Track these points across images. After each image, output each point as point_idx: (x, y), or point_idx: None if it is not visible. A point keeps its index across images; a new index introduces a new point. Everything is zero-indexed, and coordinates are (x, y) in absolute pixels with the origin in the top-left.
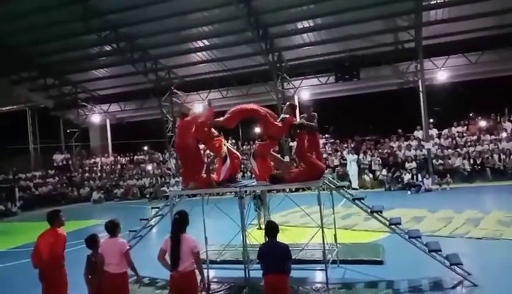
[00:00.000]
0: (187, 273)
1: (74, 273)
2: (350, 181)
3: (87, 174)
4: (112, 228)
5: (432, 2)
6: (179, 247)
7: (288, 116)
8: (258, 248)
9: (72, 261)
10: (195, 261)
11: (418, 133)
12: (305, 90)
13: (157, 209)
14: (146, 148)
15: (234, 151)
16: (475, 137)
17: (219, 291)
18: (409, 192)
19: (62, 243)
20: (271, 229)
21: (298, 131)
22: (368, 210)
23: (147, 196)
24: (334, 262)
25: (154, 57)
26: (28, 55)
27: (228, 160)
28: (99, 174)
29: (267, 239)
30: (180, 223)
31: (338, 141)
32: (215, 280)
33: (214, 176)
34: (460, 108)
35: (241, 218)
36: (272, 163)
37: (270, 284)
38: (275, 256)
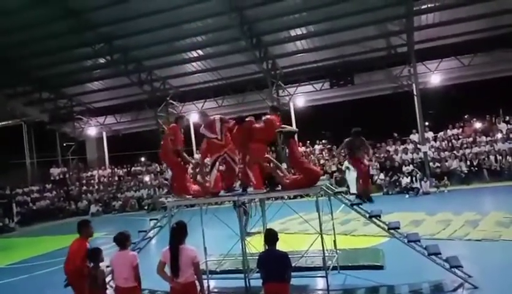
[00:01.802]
0: (188, 284)
1: None
2: (347, 186)
3: (84, 187)
4: (122, 241)
5: (423, 7)
6: (178, 258)
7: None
8: (257, 256)
9: None
10: (195, 272)
11: (414, 137)
12: (300, 97)
13: (155, 221)
14: (142, 159)
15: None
16: (471, 139)
17: None
18: (407, 196)
19: (82, 254)
20: (270, 237)
21: (287, 139)
22: (367, 215)
23: (146, 207)
24: (334, 268)
25: (149, 68)
26: (23, 69)
27: (215, 171)
28: (96, 187)
29: (266, 247)
30: (178, 233)
31: (335, 146)
32: (215, 290)
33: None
34: (454, 110)
35: (240, 227)
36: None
37: (270, 293)
38: (275, 264)
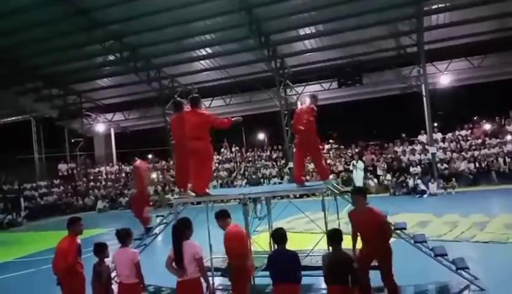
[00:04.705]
0: (192, 280)
1: None
2: (354, 186)
3: (92, 183)
4: (123, 237)
5: (433, 7)
6: (181, 254)
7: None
8: (262, 255)
9: None
10: (198, 268)
11: (422, 138)
12: (308, 97)
13: (161, 217)
14: (150, 156)
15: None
16: (480, 140)
17: None
18: (417, 196)
19: (74, 251)
20: (279, 236)
21: None
22: None
23: (152, 204)
24: None
25: (157, 66)
26: (33, 66)
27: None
28: (104, 183)
29: (275, 247)
30: (179, 229)
31: (342, 146)
32: (220, 287)
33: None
34: (464, 111)
35: (245, 225)
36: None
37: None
38: (286, 264)
